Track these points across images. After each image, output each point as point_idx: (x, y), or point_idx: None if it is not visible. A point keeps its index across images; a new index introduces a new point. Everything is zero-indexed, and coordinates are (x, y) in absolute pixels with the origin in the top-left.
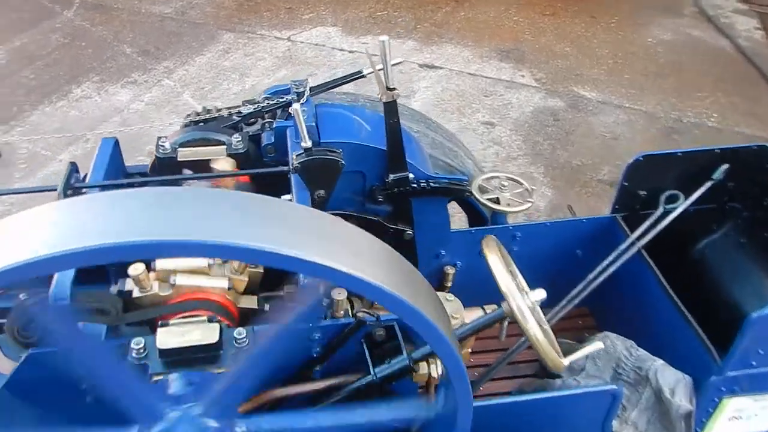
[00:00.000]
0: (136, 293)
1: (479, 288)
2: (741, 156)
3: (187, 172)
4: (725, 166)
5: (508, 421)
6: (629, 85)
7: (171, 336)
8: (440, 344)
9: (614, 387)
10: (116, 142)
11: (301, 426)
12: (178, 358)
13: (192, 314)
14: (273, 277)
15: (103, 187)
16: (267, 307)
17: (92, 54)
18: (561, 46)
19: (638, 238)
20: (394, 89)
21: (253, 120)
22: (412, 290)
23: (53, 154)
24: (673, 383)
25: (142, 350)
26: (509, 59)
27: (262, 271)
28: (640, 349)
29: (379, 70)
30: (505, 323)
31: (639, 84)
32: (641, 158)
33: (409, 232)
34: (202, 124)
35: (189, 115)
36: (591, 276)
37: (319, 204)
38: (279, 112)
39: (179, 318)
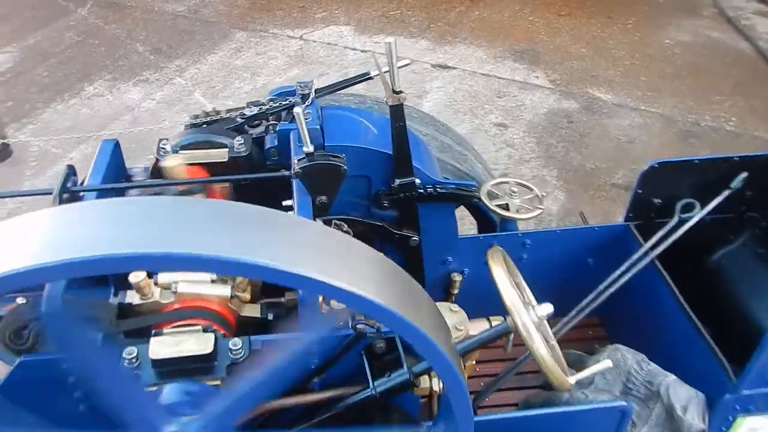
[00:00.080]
0: (136, 300)
1: (487, 296)
2: (760, 164)
3: None
4: (744, 175)
5: None
6: (646, 87)
7: (164, 346)
8: (439, 361)
9: (623, 403)
10: (116, 144)
11: None
12: (171, 369)
13: (188, 323)
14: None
15: (100, 191)
16: (270, 315)
17: (105, 52)
18: (576, 47)
19: (652, 248)
20: (400, 92)
21: (257, 122)
22: (409, 304)
23: (64, 152)
24: (686, 400)
25: (134, 360)
26: (523, 60)
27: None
28: (652, 364)
29: (385, 72)
30: (511, 335)
31: (656, 86)
32: (656, 165)
33: (415, 238)
34: (205, 126)
35: (193, 116)
36: (602, 286)
37: (321, 210)
38: (284, 114)
39: (174, 327)
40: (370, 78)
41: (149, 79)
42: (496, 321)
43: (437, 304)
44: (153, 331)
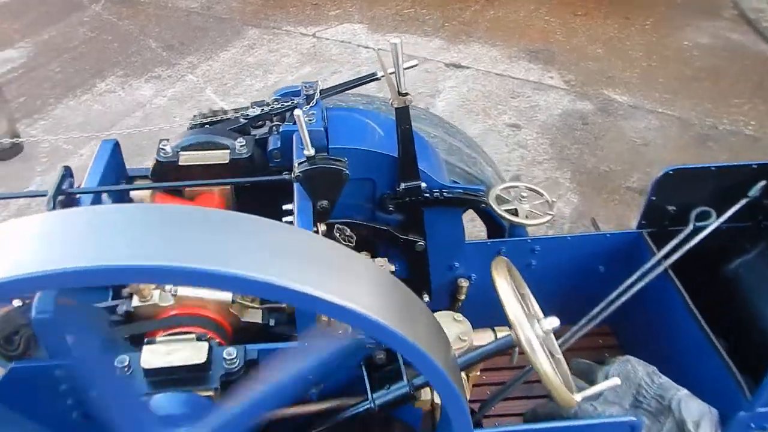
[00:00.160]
0: (135, 302)
1: (494, 302)
2: None
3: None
4: (762, 183)
5: None
6: (663, 90)
7: (156, 355)
8: (435, 377)
9: (633, 418)
10: (116, 144)
11: None
12: (164, 378)
13: (182, 331)
14: None
15: (96, 193)
16: (272, 321)
17: (118, 48)
18: (592, 48)
19: (665, 257)
20: (406, 94)
21: (260, 123)
22: (404, 317)
23: (75, 148)
24: (698, 416)
25: (126, 369)
26: (538, 60)
27: None
28: (663, 377)
29: (391, 73)
30: (517, 348)
31: (673, 88)
32: (671, 172)
33: (421, 243)
34: (207, 126)
35: (195, 116)
36: (613, 295)
37: (322, 215)
38: (288, 115)
39: (167, 335)
40: (377, 79)
41: (161, 76)
42: (502, 332)
43: (441, 313)
44: (146, 339)
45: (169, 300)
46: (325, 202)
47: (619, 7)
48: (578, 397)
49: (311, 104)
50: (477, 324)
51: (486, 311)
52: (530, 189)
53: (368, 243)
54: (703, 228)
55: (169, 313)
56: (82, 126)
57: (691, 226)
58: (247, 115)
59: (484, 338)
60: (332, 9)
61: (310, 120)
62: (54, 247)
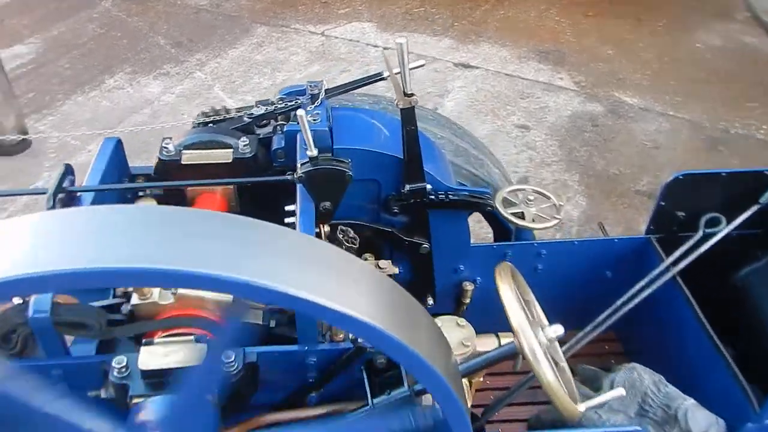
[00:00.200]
0: (134, 300)
1: (499, 306)
2: None
3: None
4: None
5: None
6: (674, 92)
7: (154, 356)
8: (435, 385)
9: (638, 428)
10: (118, 142)
11: None
12: (161, 380)
13: (181, 332)
14: None
15: (97, 192)
16: (273, 323)
17: (127, 45)
18: (603, 49)
19: (674, 263)
20: (412, 95)
21: (265, 122)
22: (403, 322)
23: (83, 144)
24: (705, 426)
25: (123, 369)
26: (548, 61)
27: None
28: (670, 386)
29: (396, 73)
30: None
31: (685, 91)
32: (681, 177)
33: (425, 245)
34: (211, 125)
35: (200, 114)
36: (620, 301)
37: (324, 216)
38: (293, 114)
39: (165, 336)
40: (383, 79)
41: (170, 73)
42: (506, 338)
43: (444, 317)
44: (144, 340)
45: (168, 298)
46: (327, 204)
47: (630, 8)
48: (582, 407)
49: (316, 104)
50: (482, 328)
51: (491, 315)
52: (537, 192)
53: (372, 244)
54: (713, 234)
55: (168, 313)
56: (90, 122)
57: (700, 233)
58: (252, 114)
59: (487, 344)
60: (341, 7)
61: (314, 120)
62: (45, 249)
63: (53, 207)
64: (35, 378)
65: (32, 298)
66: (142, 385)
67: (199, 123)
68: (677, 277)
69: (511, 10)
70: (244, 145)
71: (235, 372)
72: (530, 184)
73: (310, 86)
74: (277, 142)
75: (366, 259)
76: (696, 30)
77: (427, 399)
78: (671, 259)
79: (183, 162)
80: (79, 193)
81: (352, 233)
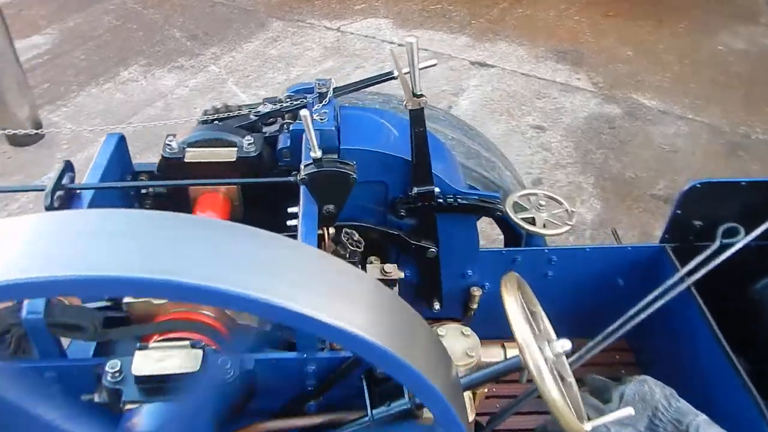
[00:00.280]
0: (127, 299)
1: None
2: None
3: None
4: None
5: None
6: (694, 95)
7: (148, 361)
8: (434, 402)
9: None
10: (121, 138)
11: None
12: (155, 386)
13: (177, 336)
14: None
15: (97, 189)
16: (268, 326)
17: (142, 37)
18: (623, 50)
19: (689, 274)
20: (421, 95)
21: (271, 120)
22: (400, 335)
23: (95, 136)
24: None
25: (117, 374)
26: (566, 61)
27: None
28: (681, 400)
29: (406, 73)
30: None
31: (705, 94)
32: (698, 185)
33: (433, 249)
34: (217, 122)
35: (206, 111)
36: (633, 311)
37: (327, 219)
38: (300, 112)
39: (161, 340)
40: (393, 78)
41: (184, 66)
42: (512, 349)
43: (448, 326)
44: (138, 344)
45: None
46: (331, 207)
47: (651, 9)
48: (588, 426)
49: (324, 102)
50: (489, 334)
51: (499, 321)
52: (549, 197)
53: (378, 247)
54: (731, 245)
55: (164, 314)
56: (103, 114)
57: (717, 243)
58: (258, 111)
59: (493, 354)
60: (358, 3)
61: (321, 119)
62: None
63: (51, 205)
64: (27, 381)
65: (25, 300)
66: (136, 391)
67: (204, 120)
68: (692, 288)
69: (530, 8)
70: (249, 144)
71: (231, 379)
72: (544, 185)
73: (319, 84)
74: (283, 141)
75: (371, 262)
76: (718, 32)
77: (428, 411)
78: (686, 269)
79: (186, 160)
80: (78, 191)
81: (356, 236)
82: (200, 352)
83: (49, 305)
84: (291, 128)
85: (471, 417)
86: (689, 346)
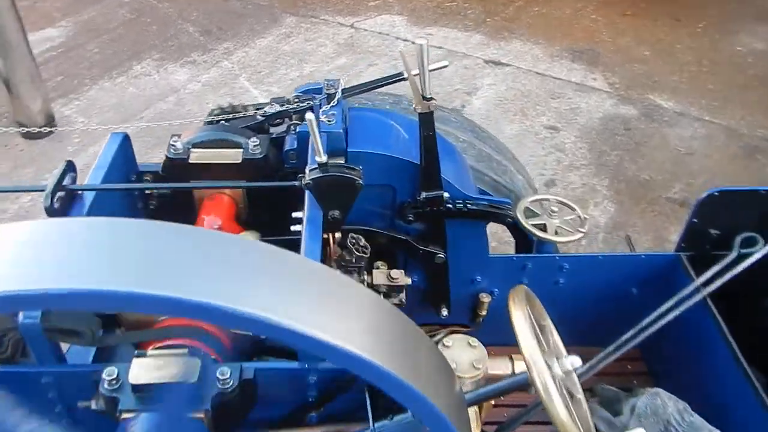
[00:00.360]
0: None
1: None
2: None
3: None
4: None
5: None
6: (712, 97)
7: (145, 369)
8: (434, 422)
9: None
10: (125, 137)
11: None
12: (152, 395)
13: (175, 343)
14: None
15: (99, 191)
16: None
17: (156, 31)
18: (640, 50)
19: (705, 284)
20: (431, 98)
21: (278, 120)
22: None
23: (107, 131)
24: None
25: (114, 382)
26: (582, 60)
27: None
28: (695, 415)
29: (415, 75)
30: None
31: (723, 96)
32: (716, 193)
33: (441, 255)
34: (223, 122)
35: (213, 110)
36: (646, 321)
37: (332, 225)
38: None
39: (159, 347)
40: (403, 79)
41: (197, 61)
42: (520, 361)
43: (455, 336)
44: (136, 352)
45: None
46: (336, 213)
47: (670, 8)
48: None
49: (332, 104)
50: (497, 340)
51: (507, 328)
52: (562, 203)
53: (385, 252)
54: (749, 255)
55: (162, 324)
56: (115, 108)
57: (735, 253)
58: (265, 112)
59: (500, 367)
60: None
61: (329, 121)
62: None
63: (51, 206)
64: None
65: None
66: (133, 399)
67: (209, 120)
68: (708, 299)
69: (546, 7)
70: (254, 146)
71: (230, 389)
72: (557, 187)
73: (327, 85)
74: (290, 143)
75: (378, 268)
76: (737, 33)
77: None
78: (702, 279)
79: (191, 161)
80: (80, 192)
81: (363, 241)
82: (198, 361)
83: (46, 310)
84: (298, 130)
85: (477, 431)
86: (704, 357)
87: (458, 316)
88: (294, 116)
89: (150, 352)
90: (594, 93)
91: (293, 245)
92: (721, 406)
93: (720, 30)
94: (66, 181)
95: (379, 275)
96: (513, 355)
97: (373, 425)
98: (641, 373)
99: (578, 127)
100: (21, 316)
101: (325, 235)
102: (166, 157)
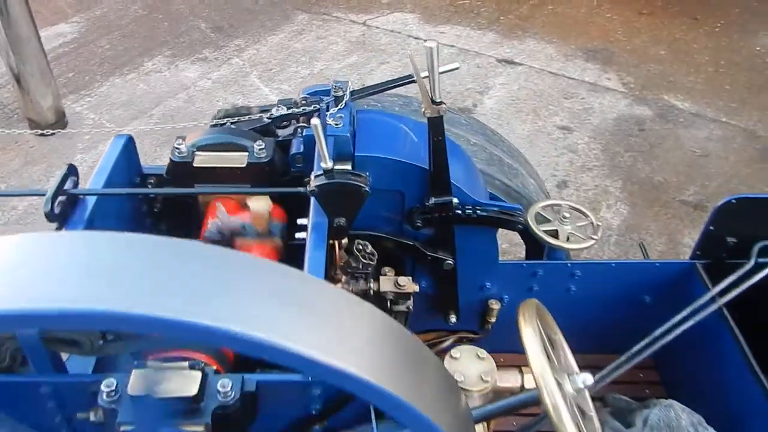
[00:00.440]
0: None
1: None
2: None
3: None
4: None
5: None
6: (729, 98)
7: (145, 381)
8: None
9: None
10: (129, 140)
11: None
12: (152, 408)
13: (176, 354)
14: None
15: (100, 195)
16: None
17: (167, 27)
18: (655, 49)
19: (721, 294)
20: (441, 103)
21: (285, 123)
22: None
23: (117, 127)
24: None
25: (113, 393)
26: (596, 60)
27: None
28: (710, 428)
29: (425, 77)
30: None
31: (740, 97)
32: (734, 200)
33: (450, 261)
34: (230, 124)
35: (219, 111)
36: (659, 331)
37: (338, 232)
38: (315, 115)
39: (160, 358)
40: (413, 81)
41: (208, 58)
42: (530, 375)
43: (463, 347)
44: (135, 362)
45: None
46: (342, 220)
47: (687, 7)
48: None
49: (340, 106)
50: (506, 347)
51: (517, 335)
52: (574, 209)
53: (393, 258)
54: (766, 265)
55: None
56: (126, 105)
57: (752, 262)
58: (272, 114)
59: (509, 379)
60: None
61: (336, 124)
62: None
63: (51, 211)
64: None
65: None
66: (132, 412)
67: (215, 123)
68: (724, 309)
69: (561, 5)
70: (260, 149)
71: (231, 402)
72: (569, 188)
73: (335, 87)
74: (296, 146)
75: (385, 274)
76: (757, 33)
77: None
78: (718, 288)
79: (195, 164)
80: (81, 196)
81: (370, 248)
82: (199, 374)
83: None
84: (304, 133)
85: None
86: (718, 369)
87: (467, 323)
88: (301, 118)
89: (150, 363)
90: (608, 93)
91: (298, 251)
92: (736, 419)
93: (739, 29)
94: (67, 185)
95: (386, 282)
96: (522, 368)
97: None
98: (654, 382)
99: (591, 128)
100: None
101: (332, 241)
102: (171, 160)
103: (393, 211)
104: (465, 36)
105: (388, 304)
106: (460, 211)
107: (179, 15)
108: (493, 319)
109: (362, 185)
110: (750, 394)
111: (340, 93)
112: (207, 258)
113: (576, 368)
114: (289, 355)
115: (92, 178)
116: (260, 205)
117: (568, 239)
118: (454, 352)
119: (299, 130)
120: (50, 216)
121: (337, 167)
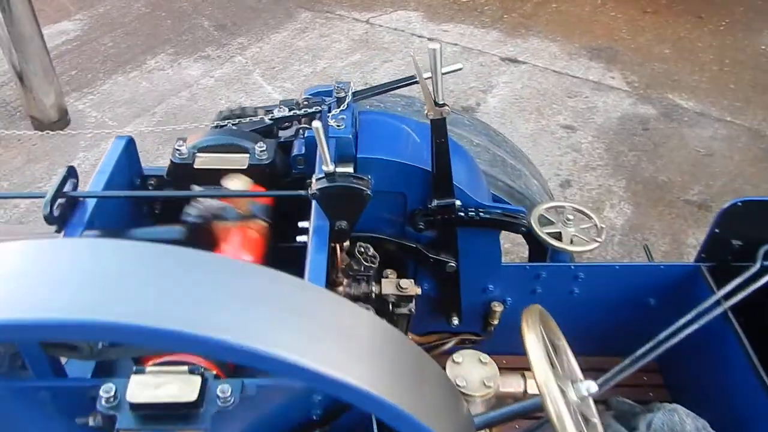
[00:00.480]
0: None
1: None
2: None
3: None
4: None
5: None
6: (733, 97)
7: (143, 387)
8: None
9: None
10: (129, 141)
11: None
12: (150, 414)
13: (175, 359)
14: None
15: (100, 198)
16: None
17: (170, 25)
18: (660, 48)
19: (726, 297)
20: (444, 105)
21: (287, 124)
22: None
23: (120, 125)
24: None
25: (112, 399)
26: (600, 58)
27: None
28: None
29: (427, 78)
30: None
31: (745, 96)
32: (739, 203)
33: (452, 263)
34: (231, 125)
35: (221, 112)
36: (663, 335)
37: (339, 236)
38: (317, 116)
39: (159, 363)
40: (416, 82)
41: (210, 56)
42: (533, 383)
43: (466, 352)
44: (135, 368)
45: None
46: (343, 223)
47: (692, 6)
48: None
49: (342, 107)
50: (509, 350)
51: (520, 338)
52: (578, 210)
53: (395, 260)
54: None
55: None
56: (128, 103)
57: (758, 265)
58: (273, 115)
59: (512, 384)
60: None
61: (338, 125)
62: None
63: (51, 213)
64: None
65: None
66: (131, 418)
67: (216, 125)
68: (729, 313)
69: (565, 3)
70: (261, 151)
71: (231, 407)
72: (573, 187)
73: (337, 88)
74: (298, 148)
75: (387, 276)
76: (761, 32)
77: None
78: (723, 291)
79: (196, 166)
80: (81, 199)
81: (371, 251)
82: (198, 379)
83: None
84: (306, 134)
85: None
86: (723, 373)
87: (469, 325)
88: (303, 120)
89: (149, 368)
90: (612, 92)
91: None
92: (741, 424)
93: (744, 28)
94: (67, 187)
95: (388, 285)
96: (525, 373)
97: None
98: (658, 385)
99: (595, 127)
100: None
101: (333, 244)
102: (171, 161)
103: (395, 213)
104: (468, 34)
105: (390, 307)
106: (462, 214)
107: (182, 13)
108: (496, 322)
109: (364, 189)
110: (755, 399)
111: (342, 94)
112: (207, 267)
113: (580, 375)
114: (289, 367)
115: (92, 180)
116: (237, 184)
117: (571, 241)
118: (457, 356)
119: (301, 131)
120: (49, 219)
121: (338, 170)
